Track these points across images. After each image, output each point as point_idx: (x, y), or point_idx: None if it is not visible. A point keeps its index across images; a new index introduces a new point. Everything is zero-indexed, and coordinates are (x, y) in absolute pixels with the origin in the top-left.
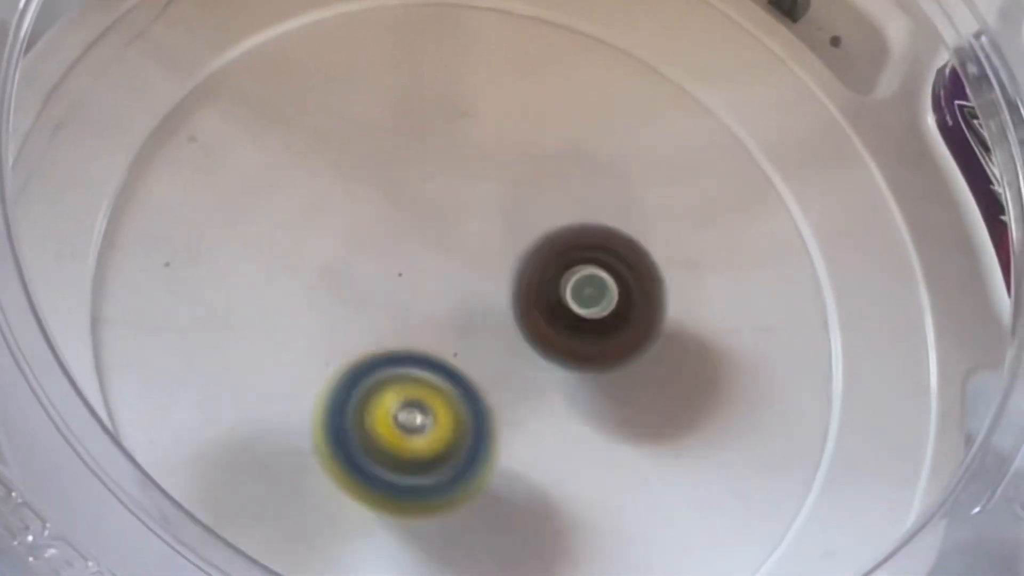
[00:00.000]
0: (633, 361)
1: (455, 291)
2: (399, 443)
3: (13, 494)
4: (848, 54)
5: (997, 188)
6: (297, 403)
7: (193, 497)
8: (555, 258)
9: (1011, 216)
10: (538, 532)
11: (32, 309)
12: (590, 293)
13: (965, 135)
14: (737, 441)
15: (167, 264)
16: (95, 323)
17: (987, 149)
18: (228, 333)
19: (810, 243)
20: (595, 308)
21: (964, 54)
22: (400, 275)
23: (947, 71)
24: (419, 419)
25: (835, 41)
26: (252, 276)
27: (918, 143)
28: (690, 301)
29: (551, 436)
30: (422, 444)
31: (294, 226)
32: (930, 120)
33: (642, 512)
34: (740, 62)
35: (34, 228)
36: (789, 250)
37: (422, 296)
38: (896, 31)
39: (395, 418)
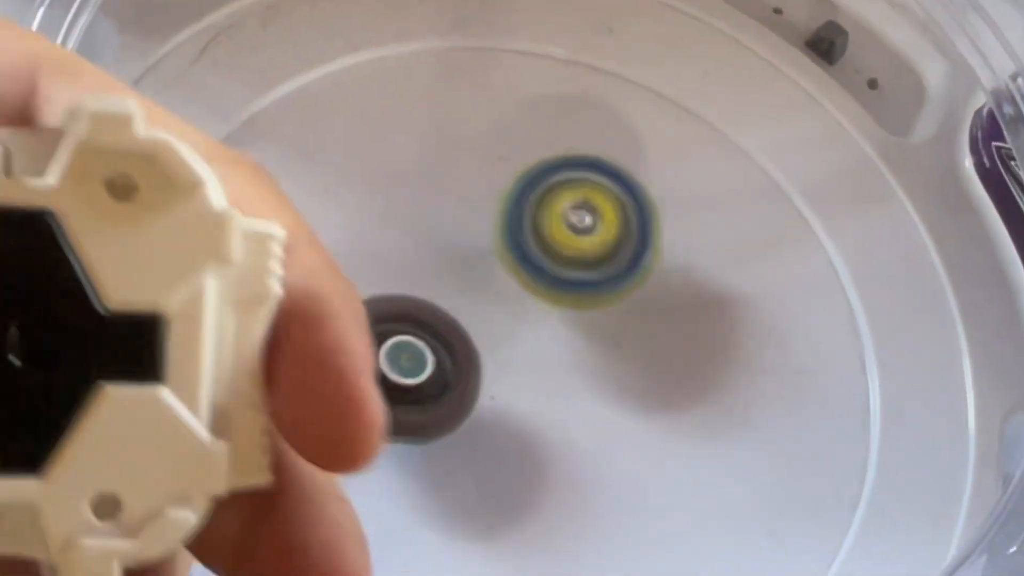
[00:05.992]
0: (456, 429)
1: (494, 335)
2: (569, 242)
3: None
4: (885, 96)
5: None
6: None
7: None
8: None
9: None
10: None
11: None
12: (406, 361)
13: (1003, 177)
14: (774, 483)
15: None
16: None
17: None
18: None
19: (847, 284)
20: (413, 376)
21: (1001, 96)
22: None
23: (984, 113)
24: (588, 219)
25: (872, 83)
26: None
27: (956, 185)
28: (726, 342)
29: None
30: (590, 243)
31: None
32: (968, 162)
33: (679, 559)
34: (776, 103)
35: None
36: (825, 291)
37: None
38: (933, 74)
39: (566, 218)
